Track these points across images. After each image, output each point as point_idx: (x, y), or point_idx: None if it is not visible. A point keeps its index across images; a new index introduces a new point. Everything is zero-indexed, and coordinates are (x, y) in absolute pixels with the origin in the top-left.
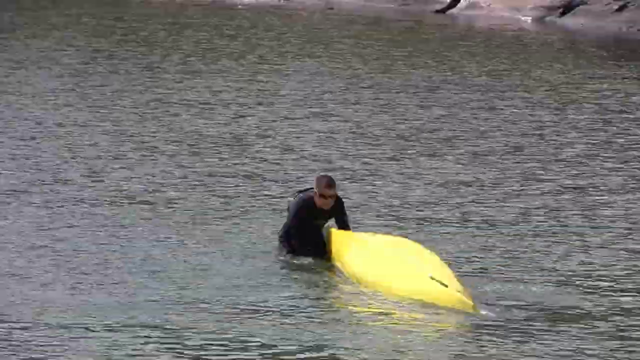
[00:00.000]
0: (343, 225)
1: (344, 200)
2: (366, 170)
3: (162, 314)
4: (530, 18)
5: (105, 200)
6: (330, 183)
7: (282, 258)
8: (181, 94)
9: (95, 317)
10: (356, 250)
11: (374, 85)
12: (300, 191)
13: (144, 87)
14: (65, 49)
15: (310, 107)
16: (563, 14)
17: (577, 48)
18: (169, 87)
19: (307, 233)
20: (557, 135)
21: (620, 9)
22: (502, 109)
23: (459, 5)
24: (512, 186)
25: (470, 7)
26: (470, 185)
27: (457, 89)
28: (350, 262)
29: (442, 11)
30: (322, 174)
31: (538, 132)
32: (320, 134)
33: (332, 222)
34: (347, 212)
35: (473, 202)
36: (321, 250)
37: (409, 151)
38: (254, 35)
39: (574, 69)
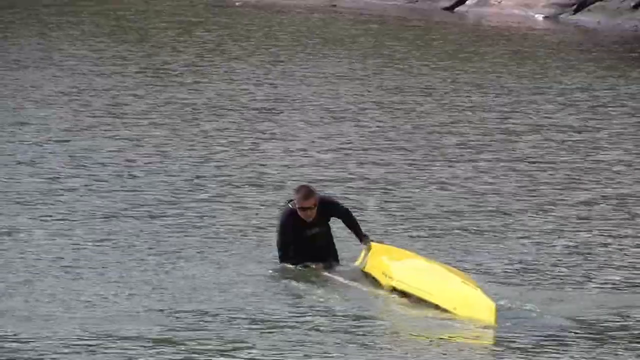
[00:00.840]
0: (349, 220)
1: (332, 199)
2: (388, 177)
3: (167, 326)
4: (543, 15)
5: (108, 210)
6: (307, 194)
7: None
8: (190, 96)
9: (95, 329)
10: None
11: (395, 87)
12: (290, 200)
13: (152, 90)
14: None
15: (327, 111)
16: (576, 11)
17: (599, 47)
18: (178, 89)
19: (302, 244)
20: (588, 140)
21: (637, 6)
22: (528, 113)
23: (468, 2)
24: (546, 196)
25: (479, 3)
26: (498, 194)
27: (480, 92)
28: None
29: (450, 9)
30: (299, 185)
31: (568, 137)
32: (336, 139)
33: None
34: (344, 205)
35: (499, 210)
36: (322, 260)
37: (431, 157)
38: (253, 33)
39: (599, 69)
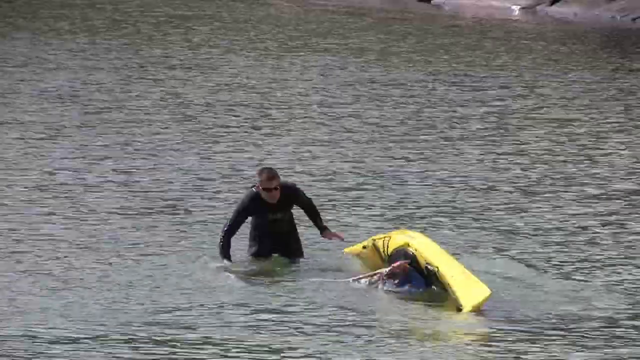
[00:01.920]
0: (310, 209)
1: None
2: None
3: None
4: (519, 7)
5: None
6: (271, 175)
7: (220, 265)
8: (187, 90)
9: (91, 328)
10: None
11: (369, 80)
12: (253, 185)
13: (152, 84)
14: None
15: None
16: (553, 2)
17: (575, 39)
18: (178, 84)
19: (262, 229)
20: (588, 135)
21: None
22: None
23: None
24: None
25: None
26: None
27: (447, 84)
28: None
29: (427, 0)
30: (262, 167)
31: (567, 131)
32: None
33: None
34: (309, 197)
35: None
36: (284, 250)
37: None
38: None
39: (572, 61)
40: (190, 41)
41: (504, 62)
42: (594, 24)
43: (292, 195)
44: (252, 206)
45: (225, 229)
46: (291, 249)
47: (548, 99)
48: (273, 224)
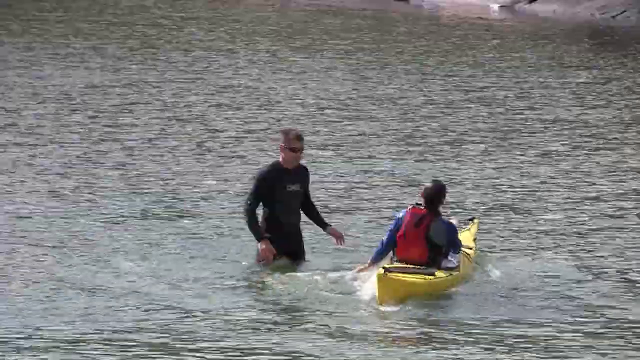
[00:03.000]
0: (308, 199)
1: None
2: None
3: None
4: (498, 5)
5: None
6: (300, 135)
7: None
8: (194, 93)
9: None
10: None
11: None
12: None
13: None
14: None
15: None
16: (532, 0)
17: (553, 36)
18: (184, 86)
19: (279, 200)
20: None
21: None
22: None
23: None
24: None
25: None
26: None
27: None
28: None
29: None
30: (286, 127)
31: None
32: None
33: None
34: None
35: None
36: (295, 223)
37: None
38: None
39: (547, 58)
40: (171, 42)
41: (485, 59)
42: (573, 21)
43: (306, 172)
44: (271, 174)
45: (249, 202)
46: (300, 239)
47: (534, 97)
48: (289, 196)
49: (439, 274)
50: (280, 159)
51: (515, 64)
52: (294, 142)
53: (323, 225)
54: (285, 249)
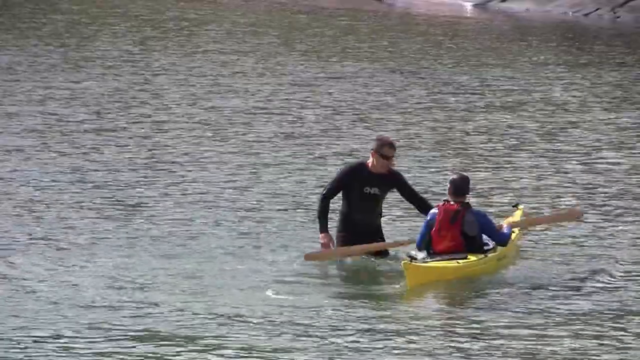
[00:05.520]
0: (416, 198)
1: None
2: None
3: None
4: (471, 3)
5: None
6: (393, 143)
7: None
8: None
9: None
10: None
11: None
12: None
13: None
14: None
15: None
16: None
17: (526, 34)
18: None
19: (354, 201)
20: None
21: None
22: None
23: None
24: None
25: None
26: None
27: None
28: None
29: None
30: (381, 134)
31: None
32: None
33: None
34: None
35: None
36: (366, 230)
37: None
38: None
39: (519, 56)
40: (142, 42)
41: (458, 59)
42: (546, 19)
43: (400, 177)
44: (354, 172)
45: (324, 191)
46: (374, 236)
47: (502, 94)
48: (365, 198)
49: (472, 257)
50: (369, 162)
51: (487, 61)
52: (386, 150)
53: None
54: (359, 217)
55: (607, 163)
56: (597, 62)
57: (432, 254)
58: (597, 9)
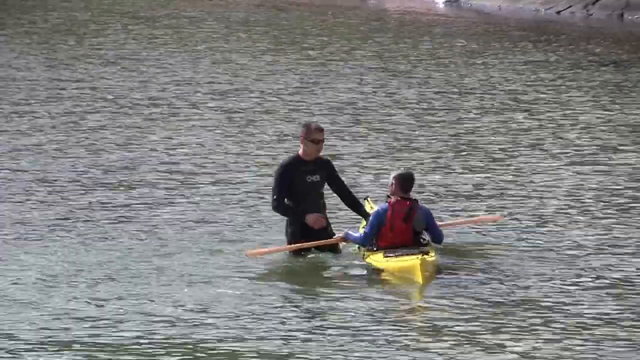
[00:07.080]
0: (346, 190)
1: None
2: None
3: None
4: (443, 0)
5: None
6: (320, 127)
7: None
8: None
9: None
10: None
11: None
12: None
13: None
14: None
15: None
16: None
17: (497, 31)
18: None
19: (300, 192)
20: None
21: None
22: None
23: None
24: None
25: None
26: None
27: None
28: None
29: None
30: (306, 121)
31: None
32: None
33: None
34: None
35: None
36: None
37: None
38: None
39: (491, 54)
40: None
41: (429, 55)
42: (518, 16)
43: (330, 165)
44: (291, 166)
45: (274, 197)
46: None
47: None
48: (311, 187)
49: (431, 250)
50: (300, 152)
51: (454, 58)
52: (315, 134)
53: (363, 214)
54: (313, 239)
55: (597, 164)
56: (569, 60)
57: (377, 248)
58: (569, 6)
